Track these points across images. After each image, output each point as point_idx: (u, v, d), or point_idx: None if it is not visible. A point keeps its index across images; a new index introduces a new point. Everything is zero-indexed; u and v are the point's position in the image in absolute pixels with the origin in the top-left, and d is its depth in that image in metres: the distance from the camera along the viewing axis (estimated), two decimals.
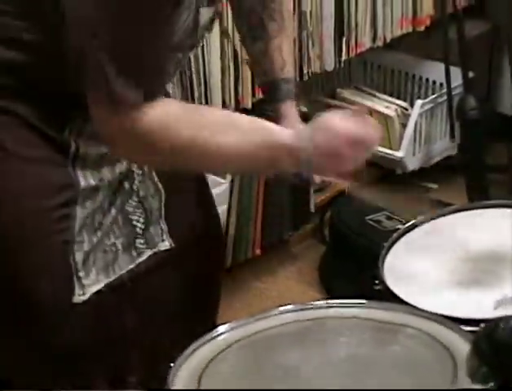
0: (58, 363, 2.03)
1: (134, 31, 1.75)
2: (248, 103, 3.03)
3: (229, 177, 3.05)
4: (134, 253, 2.07)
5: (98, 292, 1.99)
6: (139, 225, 2.08)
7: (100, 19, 1.72)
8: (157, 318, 2.15)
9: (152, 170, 2.10)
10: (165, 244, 2.12)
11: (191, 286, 2.22)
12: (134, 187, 2.07)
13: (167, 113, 1.81)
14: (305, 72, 3.23)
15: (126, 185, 2.05)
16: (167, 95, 2.04)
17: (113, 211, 2.03)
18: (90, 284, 1.98)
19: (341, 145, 1.80)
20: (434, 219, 2.18)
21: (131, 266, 2.06)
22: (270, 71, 2.20)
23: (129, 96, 1.75)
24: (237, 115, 1.93)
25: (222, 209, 2.84)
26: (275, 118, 2.13)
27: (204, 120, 1.84)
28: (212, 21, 2.01)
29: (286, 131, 1.86)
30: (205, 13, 1.91)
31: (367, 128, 1.82)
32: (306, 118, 2.00)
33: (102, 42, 1.73)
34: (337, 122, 1.81)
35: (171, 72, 2.04)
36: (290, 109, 2.16)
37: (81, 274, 1.97)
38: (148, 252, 2.09)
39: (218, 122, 1.85)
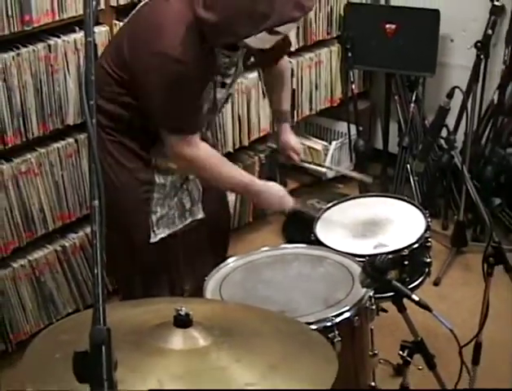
0: (144, 275, 2.01)
1: (184, 102, 1.75)
2: (246, 142, 2.97)
3: None
4: (183, 219, 2.05)
5: (163, 238, 1.98)
6: (187, 205, 2.06)
7: (165, 103, 1.74)
8: (196, 254, 2.13)
9: (197, 177, 2.06)
10: (200, 215, 2.09)
11: (213, 237, 2.19)
12: (188, 186, 2.04)
13: (206, 150, 1.84)
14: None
15: (185, 185, 2.02)
16: (206, 138, 2.01)
17: (175, 199, 2.01)
18: (159, 233, 1.97)
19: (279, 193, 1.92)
20: (340, 203, 2.14)
21: (181, 226, 2.04)
22: (273, 103, 2.19)
23: (188, 133, 1.79)
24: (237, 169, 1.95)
25: (232, 198, 2.81)
26: (278, 132, 2.16)
27: (222, 162, 1.88)
28: (227, 97, 1.98)
29: (257, 180, 1.95)
30: (219, 93, 1.89)
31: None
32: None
33: (173, 111, 1.75)
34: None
35: (209, 124, 2.03)
36: (284, 128, 2.15)
37: (154, 228, 1.95)
38: (190, 219, 2.07)
39: (228, 164, 1.89)
